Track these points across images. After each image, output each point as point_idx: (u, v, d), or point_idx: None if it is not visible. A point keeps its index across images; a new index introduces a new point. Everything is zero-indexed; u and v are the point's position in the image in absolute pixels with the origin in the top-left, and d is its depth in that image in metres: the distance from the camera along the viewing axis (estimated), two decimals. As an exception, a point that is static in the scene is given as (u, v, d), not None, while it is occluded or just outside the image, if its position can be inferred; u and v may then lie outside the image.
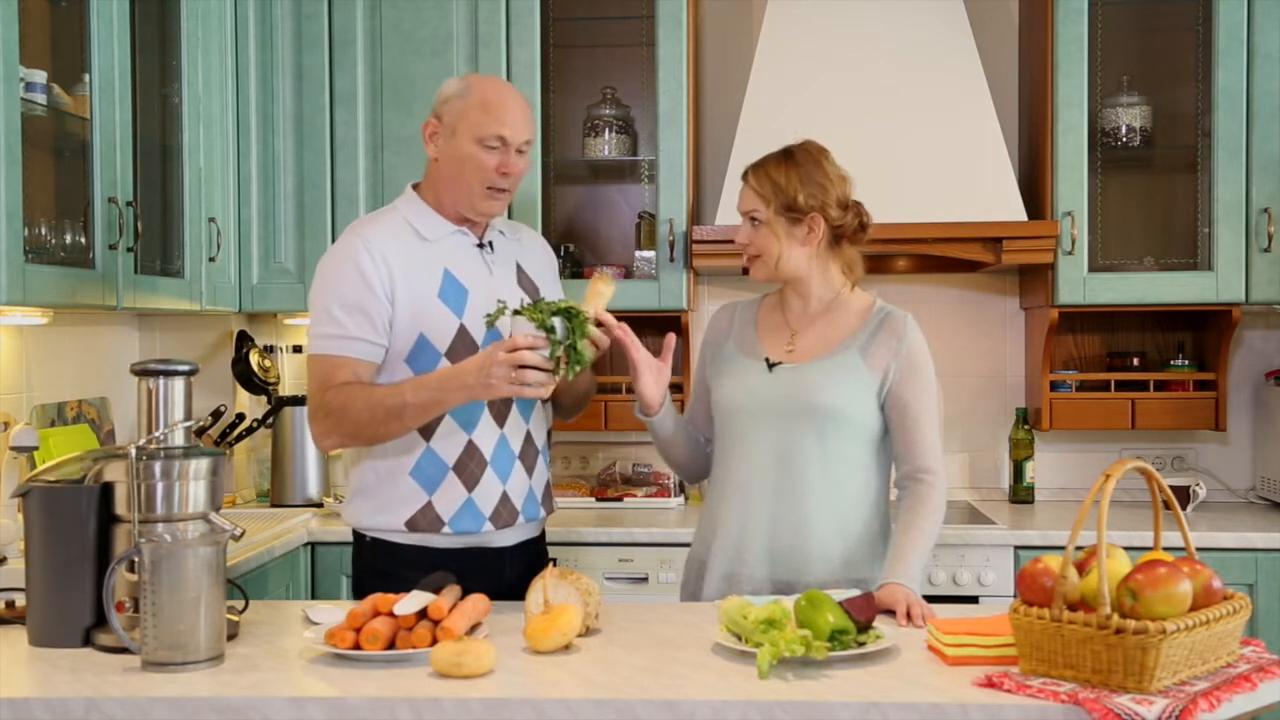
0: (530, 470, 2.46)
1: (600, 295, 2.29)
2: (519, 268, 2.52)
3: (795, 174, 2.36)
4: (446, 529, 2.38)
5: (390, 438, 2.34)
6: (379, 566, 2.43)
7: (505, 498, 2.41)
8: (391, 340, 2.35)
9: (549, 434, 2.58)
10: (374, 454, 2.41)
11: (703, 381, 2.54)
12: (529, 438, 2.46)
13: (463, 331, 2.37)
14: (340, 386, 2.31)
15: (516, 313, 2.18)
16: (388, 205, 2.52)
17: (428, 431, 2.36)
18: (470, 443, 2.38)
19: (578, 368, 2.18)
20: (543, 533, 2.60)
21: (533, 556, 2.51)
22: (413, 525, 2.38)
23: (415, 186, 2.50)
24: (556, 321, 2.16)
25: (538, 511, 2.50)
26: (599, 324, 2.25)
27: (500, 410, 2.40)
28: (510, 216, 3.45)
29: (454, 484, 2.38)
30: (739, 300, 2.58)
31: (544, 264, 2.61)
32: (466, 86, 2.40)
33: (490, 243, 2.48)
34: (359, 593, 2.45)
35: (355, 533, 2.49)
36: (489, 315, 2.25)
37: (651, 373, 2.41)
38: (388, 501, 2.40)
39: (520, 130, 2.38)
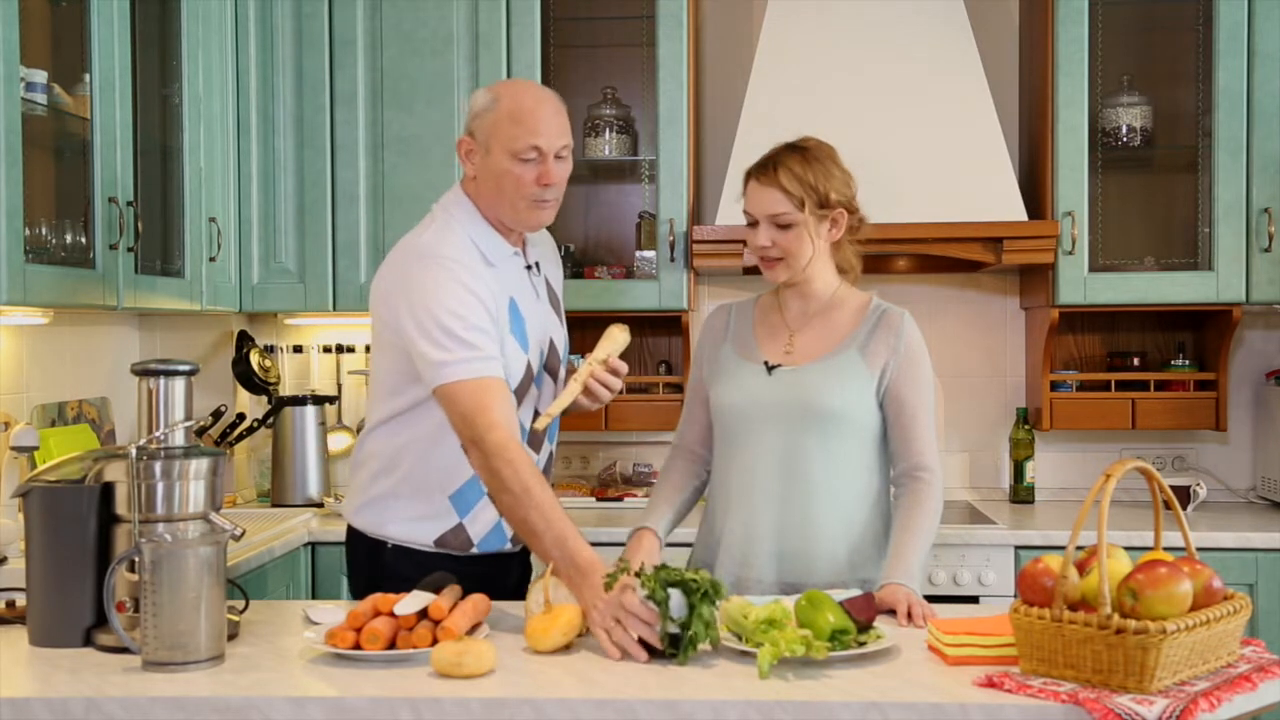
0: None
1: (613, 339, 2.30)
2: (548, 284, 2.49)
3: (820, 170, 2.34)
4: (475, 549, 2.37)
5: (510, 523, 2.22)
6: (402, 573, 2.29)
7: None
8: None
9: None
10: (414, 472, 2.33)
11: (700, 388, 2.51)
12: (551, 457, 2.49)
13: (528, 369, 2.33)
14: (513, 442, 2.14)
15: (638, 574, 1.96)
16: (444, 219, 2.33)
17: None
18: None
19: (692, 651, 1.88)
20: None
21: (529, 559, 2.53)
22: (441, 543, 2.36)
23: (465, 194, 2.36)
24: (673, 596, 1.88)
25: None
26: (612, 371, 2.28)
27: (537, 440, 2.39)
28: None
29: (487, 508, 2.34)
30: (733, 301, 2.56)
31: (558, 273, 2.58)
32: (494, 97, 2.29)
33: (537, 264, 2.43)
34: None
35: (369, 538, 2.39)
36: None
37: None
38: (420, 517, 2.35)
39: (555, 136, 2.27)
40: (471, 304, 2.21)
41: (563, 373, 2.46)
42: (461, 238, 2.30)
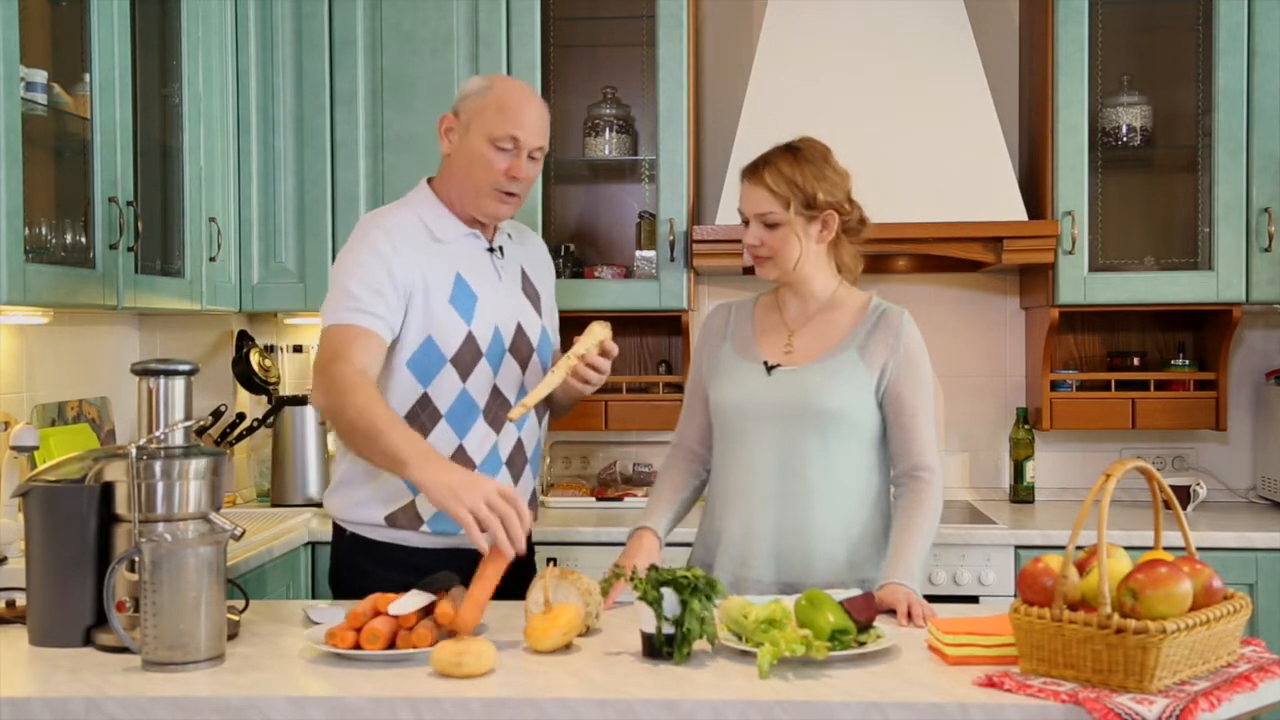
0: (516, 477, 2.44)
1: (593, 334, 2.33)
2: (524, 274, 2.51)
3: (810, 171, 2.34)
4: (425, 527, 2.36)
5: (351, 448, 2.25)
6: (356, 563, 2.42)
7: None
8: (400, 338, 2.33)
9: (541, 441, 2.56)
10: None
11: (699, 387, 2.51)
12: (519, 445, 2.45)
13: (470, 339, 2.35)
14: (355, 369, 2.19)
15: (631, 578, 1.95)
16: (401, 200, 2.48)
17: (423, 432, 2.33)
18: (461, 447, 2.36)
19: (688, 647, 1.89)
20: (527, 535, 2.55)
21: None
22: (392, 521, 2.37)
23: (430, 181, 2.47)
24: (665, 595, 1.88)
25: None
26: (591, 366, 2.31)
27: (496, 417, 2.39)
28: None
29: None
30: (733, 300, 2.57)
31: (545, 271, 2.61)
32: (488, 85, 2.39)
33: (500, 248, 2.47)
34: (335, 586, 2.46)
35: (335, 524, 2.47)
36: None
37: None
38: (372, 496, 2.38)
39: (534, 135, 2.37)
40: (373, 266, 2.29)
41: (544, 362, 2.49)
42: (408, 213, 2.40)
